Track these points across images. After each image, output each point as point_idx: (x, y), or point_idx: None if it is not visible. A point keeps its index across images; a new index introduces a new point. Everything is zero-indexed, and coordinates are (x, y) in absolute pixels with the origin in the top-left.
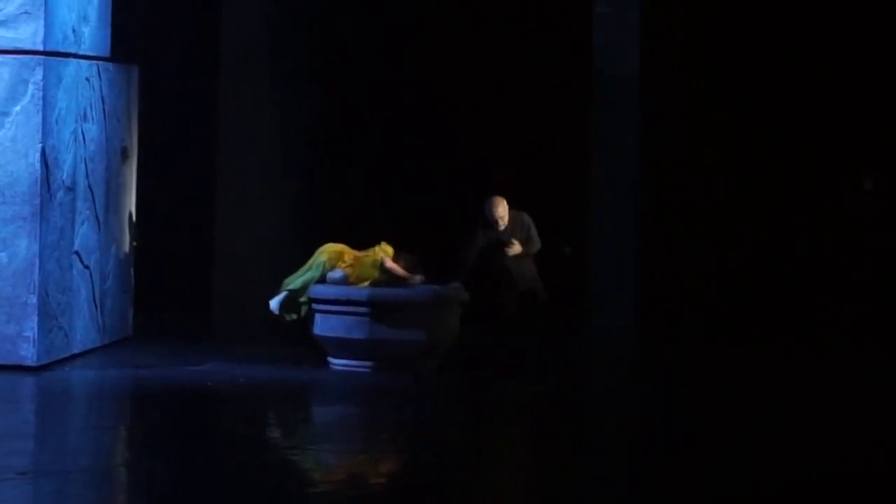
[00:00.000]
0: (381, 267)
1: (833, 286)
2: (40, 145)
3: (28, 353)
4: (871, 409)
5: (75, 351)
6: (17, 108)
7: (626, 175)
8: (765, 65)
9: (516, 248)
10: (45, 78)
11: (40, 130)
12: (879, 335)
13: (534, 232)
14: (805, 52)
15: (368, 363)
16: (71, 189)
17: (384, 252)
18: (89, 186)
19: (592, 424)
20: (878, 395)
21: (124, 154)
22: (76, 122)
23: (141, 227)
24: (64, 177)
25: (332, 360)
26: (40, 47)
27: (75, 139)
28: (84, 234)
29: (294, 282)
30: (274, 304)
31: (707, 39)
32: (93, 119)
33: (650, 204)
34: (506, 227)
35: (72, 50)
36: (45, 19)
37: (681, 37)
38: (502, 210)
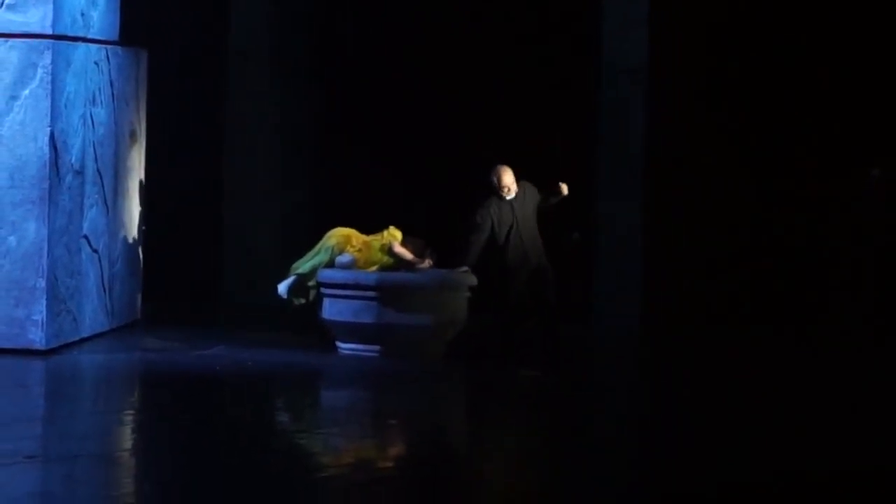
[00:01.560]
0: (390, 251)
1: (838, 282)
2: (49, 129)
3: (36, 337)
4: (874, 405)
5: (84, 335)
6: (26, 91)
7: (632, 169)
8: (773, 60)
9: (564, 186)
10: (53, 62)
11: (49, 114)
12: (884, 331)
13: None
14: (813, 46)
15: (376, 348)
16: (79, 173)
17: (392, 237)
18: (98, 170)
19: (596, 413)
20: (883, 392)
21: (133, 138)
22: (85, 105)
23: (150, 212)
24: (72, 160)
25: (340, 344)
26: (49, 31)
27: (84, 123)
28: (93, 218)
29: (302, 266)
30: (282, 288)
31: (714, 33)
32: (101, 103)
33: (656, 198)
34: (516, 195)
35: (80, 34)
36: (54, 3)
37: (689, 30)
38: (510, 178)
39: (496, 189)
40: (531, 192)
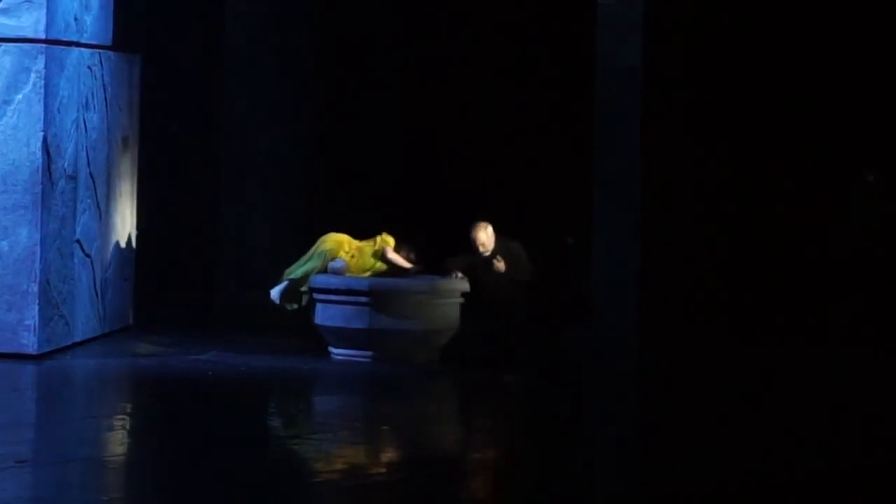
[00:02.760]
0: (383, 257)
1: (835, 283)
2: (42, 133)
3: (29, 342)
4: (869, 405)
5: (76, 339)
6: (19, 96)
7: (629, 169)
8: (770, 60)
9: (500, 264)
10: (47, 66)
11: (42, 119)
12: (883, 333)
13: (524, 259)
14: (811, 45)
15: (369, 353)
16: (72, 177)
17: (385, 242)
18: (91, 175)
19: (590, 417)
20: (878, 392)
21: (126, 143)
22: (78, 110)
23: (144, 217)
24: (65, 165)
25: (332, 349)
26: (42, 35)
27: (77, 127)
28: (85, 223)
29: (295, 271)
30: (275, 293)
31: (711, 32)
32: (94, 107)
33: (653, 199)
34: (491, 252)
35: (74, 38)
36: (48, 7)
37: (684, 29)
38: (483, 236)
39: (472, 243)
40: (511, 251)
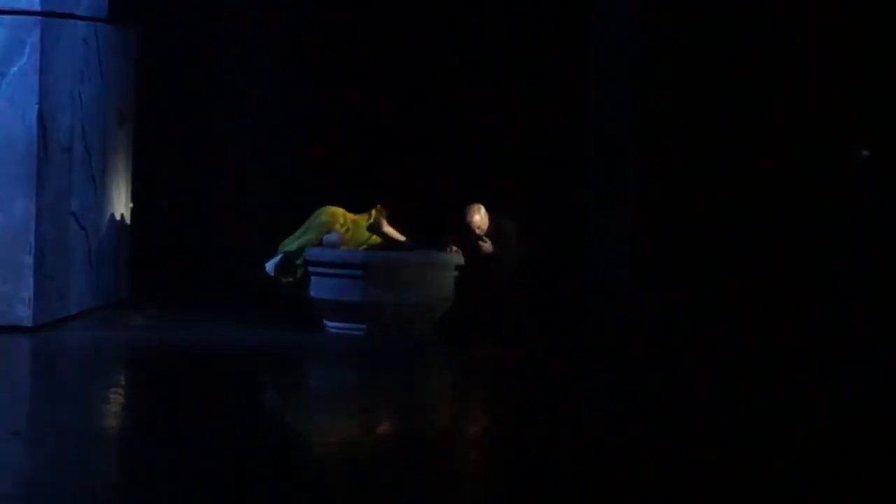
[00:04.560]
0: (378, 230)
1: (838, 271)
2: (37, 106)
3: (24, 314)
4: (868, 402)
5: (71, 312)
6: (15, 68)
7: (625, 155)
8: (771, 45)
9: (488, 245)
10: (42, 38)
11: (37, 91)
12: (881, 326)
13: (513, 240)
14: (813, 32)
15: (363, 326)
16: (68, 150)
17: (381, 215)
18: (86, 147)
19: (588, 393)
20: (879, 388)
21: (121, 116)
22: (73, 83)
23: (139, 190)
24: (61, 138)
25: (327, 322)
26: (38, 7)
27: (72, 100)
28: (81, 195)
29: (290, 244)
30: (270, 266)
31: (710, 18)
32: (90, 80)
33: (648, 187)
34: (484, 234)
35: (69, 10)
36: None
37: (682, 14)
38: (478, 219)
39: (466, 227)
40: (504, 228)
